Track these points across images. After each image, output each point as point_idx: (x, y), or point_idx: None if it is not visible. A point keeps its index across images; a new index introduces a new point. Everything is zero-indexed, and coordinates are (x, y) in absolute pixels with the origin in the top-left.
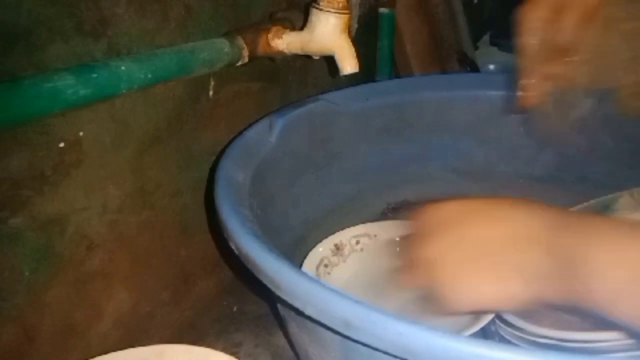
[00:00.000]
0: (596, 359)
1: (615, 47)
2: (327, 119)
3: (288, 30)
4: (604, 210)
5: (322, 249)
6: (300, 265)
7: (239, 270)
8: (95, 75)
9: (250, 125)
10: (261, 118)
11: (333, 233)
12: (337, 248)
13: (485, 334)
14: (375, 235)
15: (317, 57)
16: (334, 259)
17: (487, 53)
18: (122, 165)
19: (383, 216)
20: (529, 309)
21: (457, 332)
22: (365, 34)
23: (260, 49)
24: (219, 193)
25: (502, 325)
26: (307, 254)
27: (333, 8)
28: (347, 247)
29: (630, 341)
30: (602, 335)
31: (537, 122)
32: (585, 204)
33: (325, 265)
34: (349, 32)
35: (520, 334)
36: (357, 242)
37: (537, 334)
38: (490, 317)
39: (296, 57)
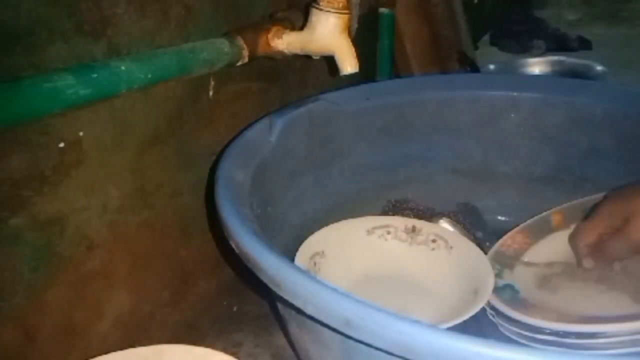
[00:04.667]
0: (595, 357)
1: None
2: (327, 118)
3: (288, 30)
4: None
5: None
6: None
7: (239, 270)
8: (95, 75)
9: (250, 125)
10: (261, 118)
11: None
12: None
13: (481, 328)
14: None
15: (317, 57)
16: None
17: (487, 53)
18: (122, 165)
19: (383, 214)
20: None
21: (439, 323)
22: (365, 34)
23: (260, 49)
24: (219, 193)
25: (500, 320)
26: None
27: (333, 8)
28: None
29: (627, 337)
30: (599, 327)
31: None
32: (575, 202)
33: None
34: (349, 32)
35: (518, 329)
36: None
37: (536, 327)
38: (473, 312)
39: (296, 57)
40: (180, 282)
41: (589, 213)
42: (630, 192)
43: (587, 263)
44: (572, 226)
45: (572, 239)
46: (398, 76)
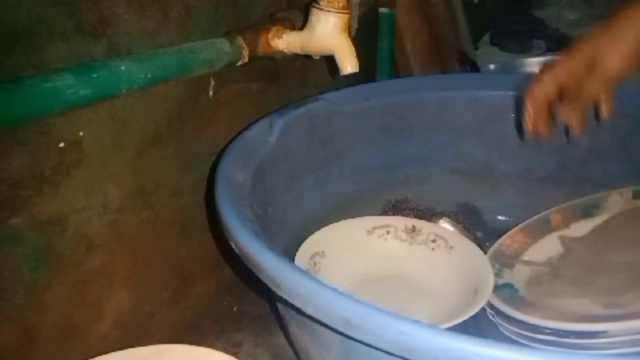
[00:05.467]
0: (595, 357)
1: None
2: (327, 118)
3: (288, 30)
4: (593, 208)
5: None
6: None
7: (239, 270)
8: (95, 75)
9: (250, 125)
10: (261, 118)
11: None
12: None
13: (481, 328)
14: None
15: (317, 57)
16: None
17: (487, 53)
18: (122, 165)
19: (383, 214)
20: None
21: (439, 323)
22: (365, 34)
23: (260, 49)
24: (219, 193)
25: (500, 320)
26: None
27: (333, 8)
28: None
29: (627, 337)
30: (600, 326)
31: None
32: (574, 201)
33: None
34: (349, 32)
35: (518, 329)
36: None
37: (536, 326)
38: (473, 312)
39: (296, 57)
40: (180, 282)
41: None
42: (593, 34)
43: (562, 112)
44: (572, 225)
45: (534, 83)
46: (398, 76)
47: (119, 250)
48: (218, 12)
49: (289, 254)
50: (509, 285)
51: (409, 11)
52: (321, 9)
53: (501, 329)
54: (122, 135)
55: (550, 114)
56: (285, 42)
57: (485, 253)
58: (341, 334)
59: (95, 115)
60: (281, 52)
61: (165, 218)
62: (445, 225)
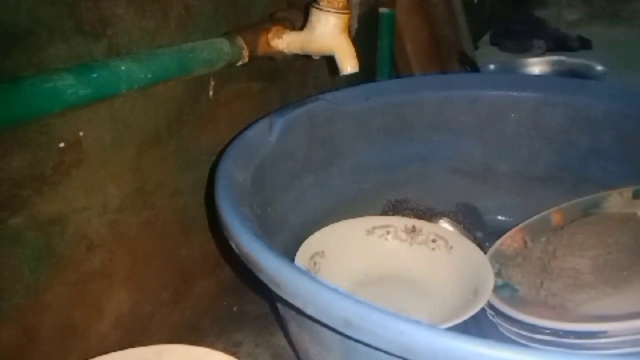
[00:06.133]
0: (595, 358)
1: None
2: (327, 118)
3: (288, 30)
4: (593, 208)
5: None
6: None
7: (239, 270)
8: (95, 75)
9: (250, 125)
10: (261, 118)
11: None
12: None
13: (481, 328)
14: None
15: (317, 57)
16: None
17: (487, 53)
18: (122, 165)
19: (383, 214)
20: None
21: (439, 323)
22: (365, 34)
23: (260, 49)
24: (219, 193)
25: (500, 320)
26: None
27: (333, 8)
28: None
29: (628, 337)
30: (600, 326)
31: None
32: (574, 201)
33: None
34: (349, 32)
35: (517, 329)
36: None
37: (536, 326)
38: (473, 312)
39: (296, 57)
40: (180, 282)
41: None
42: None
43: None
44: (571, 225)
45: None
46: (398, 76)
47: (119, 250)
48: (218, 12)
49: (289, 254)
50: (508, 285)
51: (409, 11)
52: (321, 9)
53: (501, 329)
54: (122, 135)
55: None
56: (285, 42)
57: (485, 253)
58: (341, 334)
59: (95, 115)
60: (281, 52)
61: (165, 218)
62: (445, 225)
